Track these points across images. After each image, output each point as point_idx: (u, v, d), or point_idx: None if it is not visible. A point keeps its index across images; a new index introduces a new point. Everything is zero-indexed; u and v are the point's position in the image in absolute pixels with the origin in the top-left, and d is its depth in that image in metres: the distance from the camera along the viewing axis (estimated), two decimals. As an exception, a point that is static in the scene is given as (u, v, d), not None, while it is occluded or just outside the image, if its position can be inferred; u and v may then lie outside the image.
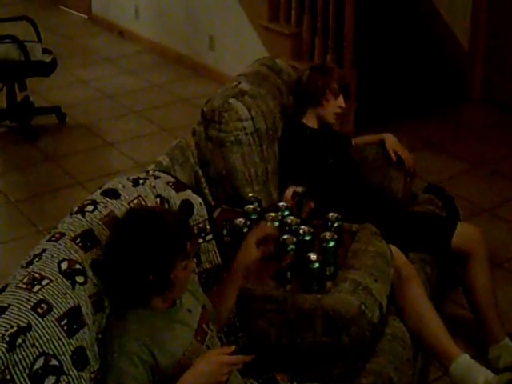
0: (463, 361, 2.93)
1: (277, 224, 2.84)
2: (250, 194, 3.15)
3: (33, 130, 5.93)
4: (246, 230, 2.81)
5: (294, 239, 2.71)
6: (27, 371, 1.90)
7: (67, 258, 2.18)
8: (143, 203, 2.49)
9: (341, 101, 3.53)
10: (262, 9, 6.07)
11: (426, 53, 6.22)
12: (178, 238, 2.18)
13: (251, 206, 2.97)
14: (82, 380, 2.05)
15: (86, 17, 8.98)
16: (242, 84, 3.50)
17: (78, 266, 2.18)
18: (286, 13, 5.87)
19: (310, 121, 3.55)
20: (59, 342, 2.00)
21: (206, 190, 3.26)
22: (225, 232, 2.86)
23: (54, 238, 2.25)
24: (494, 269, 3.66)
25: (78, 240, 2.26)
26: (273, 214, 2.88)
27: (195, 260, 2.54)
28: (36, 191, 5.11)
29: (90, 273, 2.20)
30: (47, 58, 5.88)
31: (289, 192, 3.17)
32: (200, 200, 2.68)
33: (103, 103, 6.61)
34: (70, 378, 2.01)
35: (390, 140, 3.68)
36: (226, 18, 6.70)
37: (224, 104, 3.32)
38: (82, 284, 2.16)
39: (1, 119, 6.09)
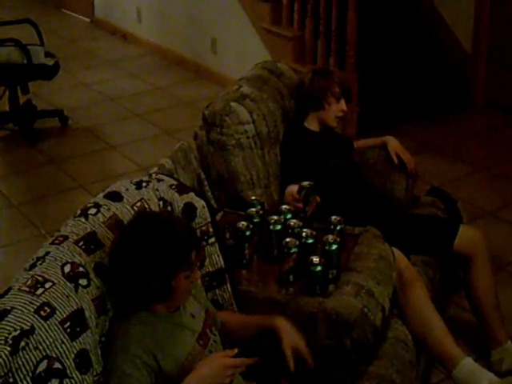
0: (467, 364, 2.93)
1: (279, 227, 2.84)
2: (253, 197, 3.16)
3: (35, 134, 5.94)
4: (248, 233, 2.81)
5: (297, 242, 2.71)
6: (30, 374, 1.91)
7: (70, 260, 2.19)
8: (146, 206, 2.49)
9: (342, 104, 3.54)
10: (264, 12, 6.07)
11: (429, 56, 6.23)
12: (182, 247, 2.18)
13: (254, 209, 2.97)
14: (85, 383, 2.05)
15: (88, 20, 8.99)
16: (243, 87, 3.50)
17: (81, 269, 2.18)
18: (289, 16, 5.88)
19: (312, 124, 3.56)
20: (62, 345, 2.01)
21: (209, 193, 3.27)
22: (227, 235, 2.86)
23: (57, 241, 2.26)
24: (497, 271, 3.67)
25: (81, 243, 2.26)
26: (275, 217, 2.89)
27: (199, 272, 2.52)
28: (38, 194, 5.12)
29: (93, 275, 2.21)
30: (50, 62, 5.89)
31: (293, 188, 3.18)
32: (203, 203, 2.68)
33: (106, 106, 6.62)
34: (73, 381, 2.01)
35: (392, 143, 3.69)
36: (228, 21, 6.70)
37: (225, 107, 3.33)
38: (85, 287, 2.16)
39: (3, 122, 6.09)
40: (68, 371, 2.00)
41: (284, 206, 3.03)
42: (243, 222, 2.83)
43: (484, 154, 5.45)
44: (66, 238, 2.27)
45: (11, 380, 1.87)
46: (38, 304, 2.02)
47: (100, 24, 8.76)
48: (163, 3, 7.59)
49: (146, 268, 2.15)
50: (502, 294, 3.43)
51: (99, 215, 2.37)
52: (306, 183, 3.10)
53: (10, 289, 2.08)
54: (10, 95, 5.99)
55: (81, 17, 9.14)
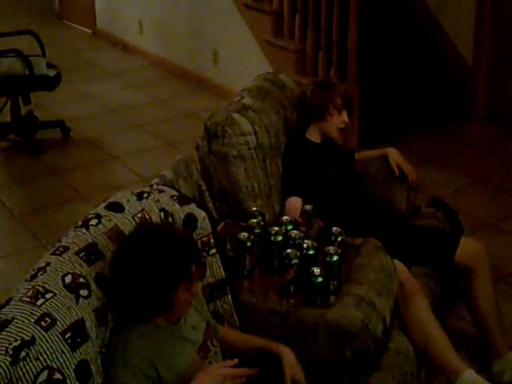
0: (469, 376, 2.93)
1: (280, 238, 2.84)
2: (254, 208, 3.16)
3: (37, 144, 5.94)
4: (249, 244, 2.81)
5: (298, 253, 2.71)
6: (31, 385, 1.91)
7: (71, 271, 2.19)
8: (147, 217, 2.49)
9: (344, 116, 3.55)
10: (265, 24, 6.09)
11: (430, 68, 6.24)
12: (182, 260, 2.18)
13: (255, 220, 2.97)
14: (86, 394, 2.05)
15: (90, 31, 9.02)
16: (245, 99, 3.51)
17: (81, 280, 2.18)
18: (290, 28, 5.89)
19: (313, 135, 3.56)
20: (63, 355, 2.00)
21: (210, 204, 3.27)
22: (228, 246, 2.86)
23: (58, 252, 2.26)
24: (497, 283, 3.67)
25: (82, 254, 2.26)
26: (276, 228, 2.89)
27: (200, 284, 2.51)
28: (40, 205, 5.12)
29: (93, 286, 2.20)
30: (51, 73, 5.90)
31: (293, 201, 3.18)
32: (204, 214, 2.68)
33: (107, 117, 6.63)
34: (73, 391, 2.01)
35: (393, 154, 3.69)
36: (229, 33, 6.72)
37: (227, 119, 3.33)
38: (85, 298, 2.16)
39: (5, 133, 6.10)
40: (68, 382, 1.99)
41: (285, 217, 3.03)
42: (244, 233, 2.83)
43: (485, 166, 5.45)
44: (67, 248, 2.27)
45: (12, 390, 1.87)
46: (38, 314, 2.02)
47: (102, 35, 8.78)
48: (165, 15, 7.61)
49: (145, 280, 2.14)
50: (502, 305, 3.43)
51: (100, 226, 2.37)
52: (308, 207, 3.11)
53: (10, 299, 2.08)
54: (11, 106, 6.00)
55: (82, 28, 9.16)
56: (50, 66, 5.96)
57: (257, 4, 6.22)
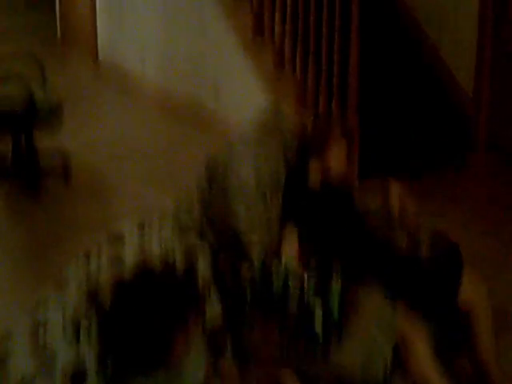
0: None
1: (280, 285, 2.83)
2: (254, 241, 3.16)
3: (37, 177, 5.91)
4: (249, 295, 2.79)
5: (298, 289, 2.71)
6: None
7: (72, 307, 2.18)
8: (148, 250, 2.49)
9: (342, 150, 3.55)
10: (266, 57, 6.12)
11: (431, 100, 6.26)
12: (180, 307, 2.16)
13: (255, 255, 2.97)
14: None
15: (92, 63, 9.04)
16: (245, 133, 3.52)
17: (82, 321, 2.17)
18: (291, 61, 5.91)
19: (313, 170, 3.55)
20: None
21: (211, 237, 3.27)
22: (228, 281, 2.85)
23: (58, 287, 2.25)
24: (498, 322, 3.62)
25: (83, 288, 2.25)
26: (277, 262, 2.88)
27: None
28: (40, 238, 5.10)
29: (93, 328, 2.19)
30: (53, 105, 5.89)
31: (294, 242, 3.20)
32: (205, 248, 2.69)
33: (108, 149, 6.63)
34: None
35: (394, 188, 3.68)
36: (231, 67, 6.75)
37: (228, 152, 3.34)
38: (85, 342, 2.14)
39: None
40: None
41: (285, 251, 3.02)
42: (244, 267, 2.82)
43: (487, 199, 5.44)
44: (67, 283, 2.27)
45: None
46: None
47: (104, 67, 8.81)
48: (167, 49, 7.66)
49: (140, 328, 2.13)
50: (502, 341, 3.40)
51: (101, 259, 2.37)
52: (309, 245, 3.11)
53: (9, 336, 2.07)
54: (12, 143, 5.95)
55: (85, 59, 9.18)
56: (50, 98, 5.93)
57: (259, 39, 6.25)
